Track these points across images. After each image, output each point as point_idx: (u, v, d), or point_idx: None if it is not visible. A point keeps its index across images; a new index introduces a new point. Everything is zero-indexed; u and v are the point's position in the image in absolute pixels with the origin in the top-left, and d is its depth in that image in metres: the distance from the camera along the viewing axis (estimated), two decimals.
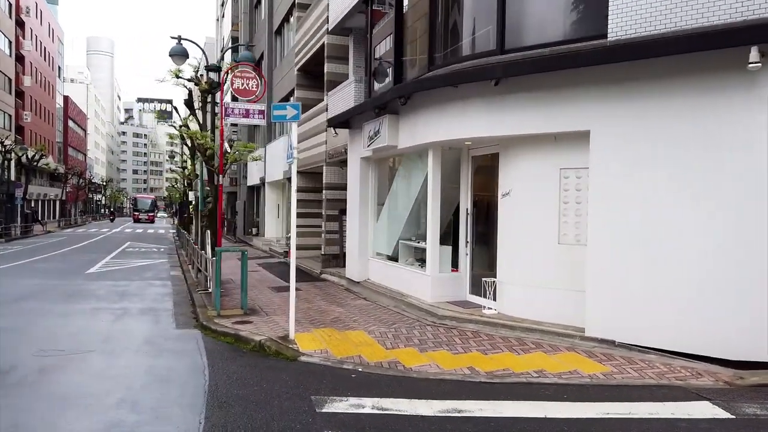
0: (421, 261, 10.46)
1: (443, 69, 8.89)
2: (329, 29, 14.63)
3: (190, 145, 18.97)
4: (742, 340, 6.23)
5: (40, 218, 46.57)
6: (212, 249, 12.39)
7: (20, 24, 47.43)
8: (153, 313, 10.17)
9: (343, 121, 12.34)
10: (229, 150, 12.15)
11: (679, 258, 6.59)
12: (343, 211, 15.07)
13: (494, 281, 8.72)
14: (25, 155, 38.67)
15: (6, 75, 43.60)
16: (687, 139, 6.52)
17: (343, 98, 13.25)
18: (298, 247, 19.07)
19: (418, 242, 10.53)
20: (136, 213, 65.62)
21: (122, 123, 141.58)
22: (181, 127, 18.97)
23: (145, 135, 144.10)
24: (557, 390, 5.75)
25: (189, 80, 13.71)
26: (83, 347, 7.50)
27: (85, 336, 8.22)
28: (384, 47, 11.59)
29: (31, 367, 6.53)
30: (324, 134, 15.21)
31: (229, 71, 11.32)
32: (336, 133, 13.08)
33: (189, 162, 23.41)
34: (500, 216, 8.68)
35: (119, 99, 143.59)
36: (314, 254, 17.03)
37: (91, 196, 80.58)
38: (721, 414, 4.95)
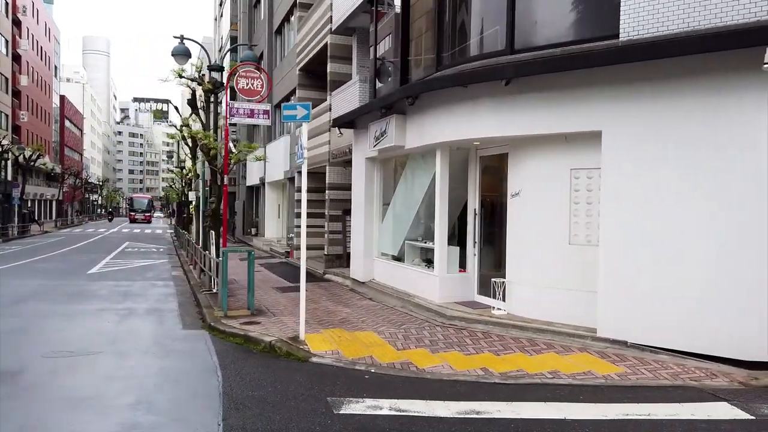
0: (428, 261, 10.43)
1: (452, 69, 8.86)
2: (332, 29, 14.60)
3: (191, 144, 18.93)
4: (755, 340, 6.23)
5: (36, 218, 46.36)
6: (216, 249, 12.35)
7: (17, 23, 47.21)
8: (158, 313, 10.11)
9: (348, 122, 12.31)
10: (233, 150, 12.08)
11: (691, 258, 6.58)
12: (347, 212, 15.04)
13: (503, 281, 8.69)
14: (22, 155, 38.50)
15: (3, 74, 43.40)
16: (698, 139, 6.51)
17: (347, 98, 13.21)
18: (299, 248, 19.03)
19: (425, 242, 10.51)
20: (133, 213, 64.97)
21: (118, 123, 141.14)
22: (182, 126, 18.92)
23: (141, 135, 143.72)
24: (573, 391, 5.72)
25: (192, 80, 13.64)
26: (92, 348, 7.44)
27: (93, 337, 8.16)
28: (389, 47, 11.56)
29: (41, 368, 6.47)
30: (327, 134, 15.17)
31: (235, 71, 11.26)
32: (341, 133, 13.05)
33: (189, 162, 23.33)
34: (509, 216, 8.66)
35: (115, 99, 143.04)
36: (316, 254, 16.97)
37: (87, 196, 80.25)
38: (741, 415, 4.94)
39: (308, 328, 8.14)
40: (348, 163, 14.70)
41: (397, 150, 10.73)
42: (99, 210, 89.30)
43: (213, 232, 12.64)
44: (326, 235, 15.60)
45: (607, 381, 6.00)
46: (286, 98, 23.08)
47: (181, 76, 13.42)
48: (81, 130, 79.84)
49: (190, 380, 6.18)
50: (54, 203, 60.33)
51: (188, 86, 14.00)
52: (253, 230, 30.84)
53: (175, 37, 14.35)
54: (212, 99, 13.71)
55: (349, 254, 14.54)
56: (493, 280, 8.87)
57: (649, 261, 6.87)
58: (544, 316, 8.05)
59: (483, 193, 9.55)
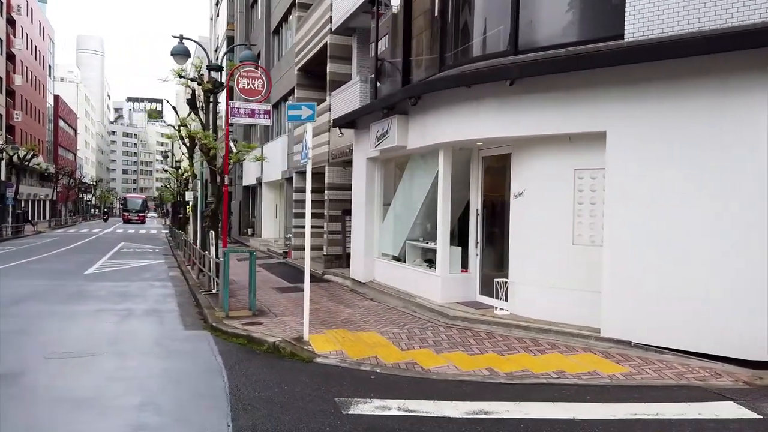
0: (429, 262, 10.43)
1: (456, 69, 8.86)
2: (332, 29, 14.57)
3: (188, 144, 18.86)
4: (759, 340, 6.25)
5: (30, 218, 46.06)
6: (216, 250, 12.30)
7: (11, 22, 46.91)
8: (158, 314, 10.06)
9: (349, 122, 12.29)
10: (234, 150, 12.04)
11: (695, 258, 6.60)
12: (346, 212, 15.01)
13: (506, 282, 8.70)
14: (16, 155, 38.24)
15: None
16: (703, 139, 6.53)
17: (347, 98, 13.19)
18: (298, 248, 18.99)
19: (427, 243, 10.50)
20: (126, 213, 63.79)
21: (112, 122, 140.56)
22: (180, 126, 18.84)
23: (135, 135, 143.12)
24: (579, 391, 5.73)
25: (192, 80, 13.59)
26: (93, 349, 7.39)
27: (93, 338, 8.11)
28: (391, 47, 11.55)
29: (43, 369, 6.43)
30: (327, 134, 15.15)
31: (236, 70, 11.22)
32: (341, 133, 13.02)
33: (185, 162, 23.23)
34: (512, 216, 8.66)
35: (109, 98, 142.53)
36: (316, 255, 16.89)
37: (81, 196, 79.81)
38: (749, 414, 4.95)
39: (311, 329, 8.11)
40: (347, 164, 14.68)
41: (399, 150, 10.72)
42: (93, 210, 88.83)
43: (213, 233, 12.58)
44: (325, 236, 15.57)
45: (612, 381, 6.01)
46: (284, 98, 23.05)
47: (180, 76, 13.35)
48: (75, 130, 79.45)
49: (194, 381, 6.14)
50: (48, 203, 60.00)
51: (188, 86, 13.93)
52: (250, 230, 30.76)
53: (174, 37, 14.29)
54: (212, 99, 13.66)
55: (348, 254, 14.51)
56: (495, 280, 8.87)
57: (654, 261, 6.88)
58: (548, 317, 8.06)
59: (485, 193, 9.55)
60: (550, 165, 8.10)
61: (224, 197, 11.61)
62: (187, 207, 24.50)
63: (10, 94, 46.53)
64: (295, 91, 19.43)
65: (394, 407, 5.14)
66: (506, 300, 8.68)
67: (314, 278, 14.50)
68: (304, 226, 18.65)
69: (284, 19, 23.50)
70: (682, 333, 6.71)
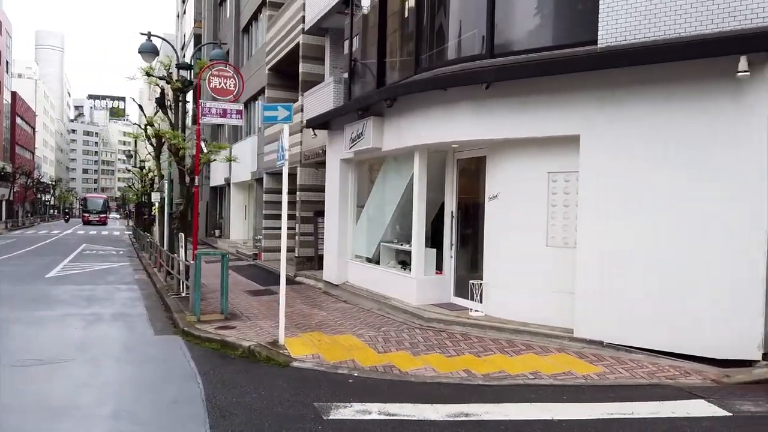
0: (403, 263, 10.44)
1: (432, 72, 8.90)
2: (305, 29, 14.46)
3: (155, 144, 18.44)
4: (725, 339, 6.45)
5: None
6: (186, 252, 12.06)
7: None
8: (126, 318, 9.81)
9: (323, 123, 12.21)
10: (205, 150, 11.82)
11: (664, 260, 6.77)
12: (318, 213, 14.91)
13: (481, 283, 8.76)
14: None
15: None
16: (675, 143, 6.69)
17: (320, 99, 13.11)
18: (269, 250, 18.81)
19: (401, 244, 10.51)
20: (86, 214, 60.17)
21: (72, 120, 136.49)
22: (146, 125, 18.42)
23: (96, 133, 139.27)
24: (555, 391, 5.81)
25: (161, 78, 13.29)
26: (62, 356, 7.14)
27: (61, 344, 7.84)
28: (365, 48, 11.53)
29: (12, 378, 6.18)
30: (299, 135, 15.01)
31: (207, 69, 11.02)
32: (315, 134, 12.92)
33: (151, 162, 22.74)
34: (487, 219, 8.74)
35: (69, 96, 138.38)
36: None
37: (39, 196, 77.20)
38: (719, 412, 5.10)
39: (286, 332, 8.01)
40: (320, 165, 14.58)
41: (374, 152, 10.70)
42: (52, 211, 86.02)
43: (182, 235, 12.33)
44: (297, 237, 15.43)
45: (587, 381, 6.12)
46: (254, 98, 22.77)
47: (149, 74, 13.03)
48: (33, 128, 76.81)
49: (169, 387, 5.99)
50: (4, 204, 57.85)
51: (157, 84, 13.62)
52: (217, 232, 30.28)
53: (142, 34, 13.98)
54: (181, 98, 13.39)
55: (320, 256, 14.42)
56: (470, 281, 8.93)
57: (624, 263, 7.04)
58: (522, 317, 8.15)
59: (460, 195, 9.62)
60: (525, 168, 8.20)
61: (195, 198, 11.38)
62: (153, 208, 23.98)
63: None
64: (266, 90, 19.21)
65: (374, 411, 5.12)
66: (481, 301, 8.75)
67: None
68: (274, 228, 18.59)
69: (254, 17, 23.22)
70: (651, 333, 6.87)
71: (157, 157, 19.05)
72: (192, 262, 9.83)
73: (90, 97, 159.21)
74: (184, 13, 40.66)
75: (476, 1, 8.52)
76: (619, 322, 7.10)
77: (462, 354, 7.13)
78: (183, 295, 11.42)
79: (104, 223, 60.48)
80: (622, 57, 6.79)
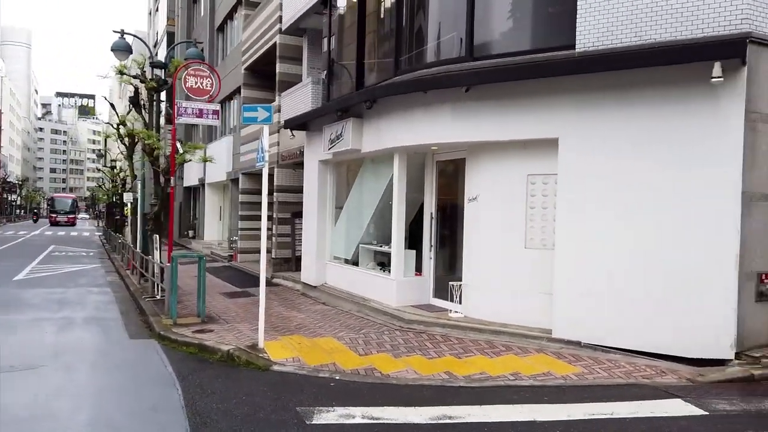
0: (382, 265, 10.43)
1: (413, 74, 8.91)
2: (282, 29, 14.35)
3: (128, 143, 18.10)
4: (698, 338, 6.59)
5: None
6: (161, 254, 11.86)
7: None
8: (100, 322, 9.59)
9: (301, 123, 12.12)
10: (180, 150, 11.63)
11: (639, 261, 6.90)
12: (296, 214, 14.81)
13: (460, 284, 8.80)
14: None
15: None
16: (651, 148, 6.81)
17: (298, 100, 13.02)
18: (245, 251, 18.63)
19: (381, 246, 10.49)
20: (54, 215, 57.64)
21: (39, 118, 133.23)
22: (118, 124, 18.06)
23: (64, 132, 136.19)
24: (536, 392, 5.86)
25: (134, 77, 13.04)
26: (35, 362, 6.93)
27: (33, 350, 7.62)
28: (343, 50, 11.49)
29: None
30: (276, 135, 14.88)
31: (183, 68, 10.85)
32: (293, 135, 12.82)
33: (123, 161, 22.29)
34: (466, 220, 8.78)
35: (36, 93, 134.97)
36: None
37: (5, 196, 75.11)
38: (696, 411, 5.21)
39: (265, 335, 7.93)
40: (298, 165, 14.49)
41: (353, 153, 10.66)
42: (18, 211, 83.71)
43: (157, 236, 12.13)
44: (274, 239, 15.30)
45: (566, 381, 6.19)
46: (229, 98, 22.52)
47: (122, 73, 12.77)
48: None
49: (147, 393, 5.88)
50: None
51: (130, 83, 13.35)
52: (191, 233, 29.84)
53: (115, 32, 13.68)
54: (155, 97, 13.15)
55: (298, 258, 14.32)
56: (450, 283, 8.96)
57: (601, 264, 7.15)
58: (501, 318, 8.21)
59: (439, 197, 9.65)
60: (504, 170, 8.26)
61: (170, 199, 11.19)
62: (125, 208, 23.51)
63: None
64: (242, 90, 19.01)
65: (358, 415, 5.10)
66: (460, 303, 8.79)
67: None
68: (250, 229, 18.41)
69: (229, 16, 22.95)
70: (627, 333, 6.99)
71: (129, 157, 18.69)
72: (168, 264, 9.67)
73: (58, 94, 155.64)
74: (157, 10, 39.99)
75: (456, 4, 8.57)
76: (596, 323, 7.20)
77: (443, 356, 7.15)
78: (158, 297, 11.23)
79: (73, 224, 58.52)
80: (599, 62, 6.89)
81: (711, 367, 6.45)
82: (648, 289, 6.84)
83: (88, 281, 15.24)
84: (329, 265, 12.03)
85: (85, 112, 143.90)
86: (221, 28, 24.52)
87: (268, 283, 13.88)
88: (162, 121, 15.57)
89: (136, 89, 14.10)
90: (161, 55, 28.38)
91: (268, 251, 15.43)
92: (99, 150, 44.02)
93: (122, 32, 13.54)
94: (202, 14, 27.43)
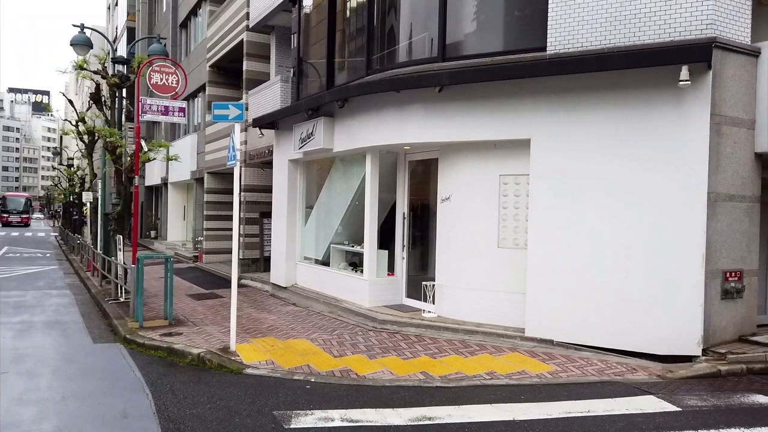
0: (354, 265, 10.36)
1: (385, 73, 8.86)
2: (249, 26, 14.11)
3: (87, 141, 17.52)
4: (666, 336, 6.76)
5: None
6: (124, 255, 11.51)
7: None
8: (61, 326, 9.24)
9: (270, 122, 11.93)
10: (145, 148, 11.31)
11: (608, 260, 7.03)
12: (264, 214, 14.60)
13: (434, 284, 8.81)
14: None
15: None
16: (621, 148, 6.94)
17: (267, 98, 12.82)
18: (210, 252, 18.26)
19: (352, 246, 10.42)
20: (6, 215, 54.97)
21: None
22: (77, 121, 17.46)
23: (17, 128, 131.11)
24: (512, 391, 5.89)
25: (96, 73, 12.63)
26: None
27: None
28: (314, 47, 11.36)
29: None
30: (243, 134, 14.63)
31: (148, 65, 10.55)
32: (262, 134, 12.62)
33: (83, 160, 21.57)
34: (439, 220, 8.79)
35: None
36: (228, 258, 16.30)
37: None
38: (669, 407, 5.32)
39: (236, 338, 7.77)
40: (266, 165, 14.28)
41: (324, 153, 10.56)
42: None
43: (120, 237, 11.77)
44: (242, 239, 15.04)
45: (541, 380, 6.24)
46: (193, 95, 22.05)
47: (82, 68, 12.34)
48: None
49: (115, 400, 5.65)
50: None
51: (91, 79, 12.92)
52: (153, 233, 29.12)
53: (74, 26, 13.23)
54: (118, 94, 12.76)
55: (266, 258, 14.12)
56: (423, 283, 8.96)
57: (572, 263, 7.25)
58: (475, 318, 8.25)
59: (412, 196, 9.64)
60: (477, 170, 8.30)
61: (135, 199, 10.87)
62: (84, 208, 22.77)
63: None
64: (207, 88, 18.63)
65: (336, 418, 5.02)
66: (433, 302, 8.80)
67: (230, 283, 13.94)
68: (216, 229, 18.05)
69: (193, 12, 22.46)
70: (599, 331, 7.11)
71: (89, 155, 18.10)
72: (132, 265, 9.38)
73: (10, 90, 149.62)
74: (116, 5, 38.87)
75: (428, 4, 8.57)
76: (567, 321, 7.30)
77: (418, 356, 7.13)
78: (121, 300, 10.90)
79: (27, 224, 56.17)
80: (570, 64, 6.99)
81: (679, 364, 6.62)
82: (618, 287, 6.97)
83: (47, 283, 14.69)
84: (300, 265, 11.89)
85: (40, 108, 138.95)
86: (184, 24, 23.98)
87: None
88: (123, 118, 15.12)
89: (98, 85, 13.65)
90: (121, 50, 27.61)
91: (231, 252, 15.16)
92: (55, 148, 42.38)
93: (82, 26, 13.11)
94: (164, 10, 26.79)
